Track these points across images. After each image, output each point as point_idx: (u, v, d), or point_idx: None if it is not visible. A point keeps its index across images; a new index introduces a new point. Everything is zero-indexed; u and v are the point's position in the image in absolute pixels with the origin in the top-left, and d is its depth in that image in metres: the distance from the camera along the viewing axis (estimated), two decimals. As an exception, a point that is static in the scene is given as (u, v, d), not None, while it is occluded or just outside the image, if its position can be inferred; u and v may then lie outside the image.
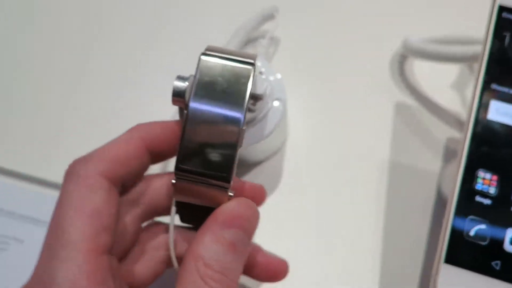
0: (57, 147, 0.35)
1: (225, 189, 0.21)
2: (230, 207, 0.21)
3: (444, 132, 0.37)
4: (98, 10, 0.42)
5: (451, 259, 0.25)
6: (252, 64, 0.22)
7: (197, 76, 0.22)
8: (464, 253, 0.25)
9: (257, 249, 0.26)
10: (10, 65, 0.40)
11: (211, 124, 0.21)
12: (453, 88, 0.39)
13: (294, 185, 0.34)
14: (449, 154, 0.36)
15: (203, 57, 0.23)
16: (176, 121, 0.23)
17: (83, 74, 0.39)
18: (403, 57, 0.40)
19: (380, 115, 0.38)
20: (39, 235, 0.29)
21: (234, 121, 0.21)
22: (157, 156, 0.23)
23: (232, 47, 0.38)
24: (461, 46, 0.34)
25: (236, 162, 0.21)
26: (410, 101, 0.38)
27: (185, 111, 0.21)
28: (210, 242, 0.20)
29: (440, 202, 0.34)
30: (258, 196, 0.26)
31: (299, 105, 0.37)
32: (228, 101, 0.21)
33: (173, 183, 0.21)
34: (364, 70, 0.39)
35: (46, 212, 0.29)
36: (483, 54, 0.28)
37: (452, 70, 0.39)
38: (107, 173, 0.20)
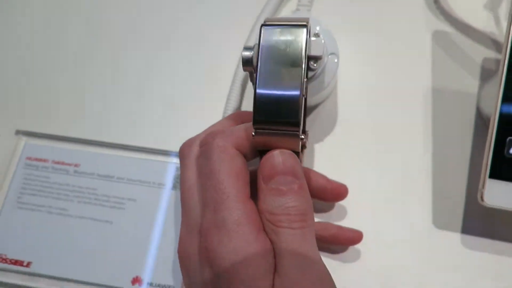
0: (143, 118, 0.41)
1: (297, 134, 0.25)
2: (266, 162, 0.26)
3: (480, 54, 0.40)
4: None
5: (494, 174, 0.30)
6: (305, 26, 0.26)
7: (261, 44, 0.26)
8: (505, 168, 0.30)
9: (324, 177, 0.33)
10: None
11: (277, 82, 0.26)
12: (486, 8, 0.42)
13: (348, 121, 0.39)
14: (485, 74, 0.40)
15: (264, 28, 0.27)
16: None
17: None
18: (436, -15, 0.43)
19: (420, 44, 0.41)
20: (146, 194, 0.35)
21: (296, 75, 0.26)
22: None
23: (270, 7, 0.41)
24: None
25: (302, 109, 0.25)
26: (446, 27, 0.42)
27: (255, 74, 0.26)
28: (263, 196, 0.25)
29: (480, 119, 0.38)
30: (338, 195, 0.34)
31: (342, 46, 0.40)
32: (289, 60, 0.26)
33: (252, 136, 0.26)
34: (399, 2, 0.42)
35: (149, 175, 0.36)
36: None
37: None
38: (238, 147, 0.26)
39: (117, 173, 0.37)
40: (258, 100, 0.25)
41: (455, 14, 0.42)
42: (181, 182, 0.28)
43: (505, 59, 0.31)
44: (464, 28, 0.41)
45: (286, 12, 0.43)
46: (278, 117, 0.25)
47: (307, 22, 0.27)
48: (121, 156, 0.38)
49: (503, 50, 0.31)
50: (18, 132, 0.39)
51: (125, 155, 0.38)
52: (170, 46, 0.43)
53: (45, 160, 0.38)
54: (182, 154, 0.29)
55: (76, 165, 0.37)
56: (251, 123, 0.26)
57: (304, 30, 0.26)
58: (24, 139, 0.38)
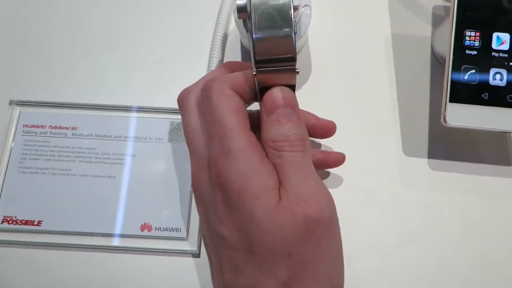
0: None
1: (293, 67, 0.28)
2: (268, 97, 0.29)
3: (430, 2, 0.45)
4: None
5: (453, 99, 0.35)
6: None
7: None
8: (462, 92, 0.35)
9: (314, 116, 0.37)
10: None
11: (270, 23, 0.29)
12: (431, -39, 0.47)
13: (322, 67, 0.43)
14: (436, 19, 0.45)
15: None
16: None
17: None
18: None
19: (377, -2, 0.46)
20: (144, 149, 0.38)
21: (286, 14, 0.29)
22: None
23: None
24: None
25: (296, 44, 0.28)
26: (399, -20, 0.46)
27: (248, 20, 0.29)
28: (266, 127, 0.29)
29: (435, 58, 0.43)
30: (327, 131, 0.37)
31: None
32: (278, 3, 0.29)
33: (254, 74, 0.29)
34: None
35: (145, 131, 0.38)
36: None
37: None
38: (234, 88, 0.29)
39: (114, 132, 0.39)
40: (257, 42, 0.28)
41: (405, -33, 0.46)
42: (184, 126, 0.31)
43: (454, 2, 0.36)
44: (414, -20, 0.46)
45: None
46: (276, 54, 0.28)
47: None
48: (116, 116, 0.40)
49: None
50: (11, 102, 0.40)
51: (119, 115, 0.40)
52: (151, 9, 0.45)
53: (42, 126, 0.39)
54: (181, 101, 0.32)
55: (73, 128, 0.39)
56: (247, 70, 0.30)
57: None
58: (18, 109, 0.40)
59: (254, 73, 0.29)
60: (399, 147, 0.41)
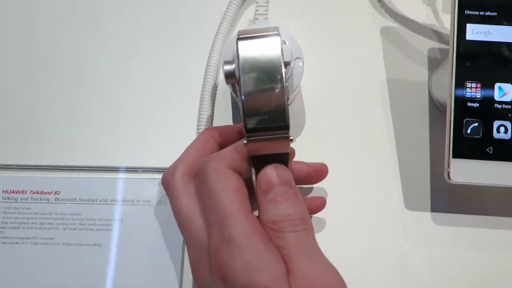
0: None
1: (286, 136, 0.27)
2: (262, 177, 0.28)
3: (425, 45, 0.44)
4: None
5: (457, 154, 0.34)
6: (278, 35, 0.28)
7: (240, 56, 0.28)
8: (465, 147, 0.34)
9: (303, 163, 0.35)
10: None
11: (261, 89, 0.27)
12: (424, 3, 0.46)
13: (316, 117, 0.42)
14: (432, 63, 0.43)
15: (239, 41, 0.28)
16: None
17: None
18: (378, -16, 0.46)
19: (370, 41, 0.44)
20: (133, 212, 0.36)
21: (277, 81, 0.27)
22: None
23: (231, 10, 0.43)
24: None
25: (288, 111, 0.27)
26: (391, 23, 0.45)
27: (237, 86, 0.28)
28: (264, 208, 0.27)
29: (433, 103, 0.42)
30: (320, 174, 0.35)
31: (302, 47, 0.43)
32: (269, 68, 0.28)
33: (245, 144, 0.27)
34: (346, 3, 0.45)
35: (133, 193, 0.36)
36: (454, -14, 0.34)
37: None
38: (231, 166, 0.28)
39: (100, 195, 0.37)
40: (247, 110, 0.27)
41: (398, 10, 0.45)
42: (174, 212, 0.29)
43: (453, 50, 0.34)
44: (407, 23, 0.45)
45: (243, 22, 0.45)
46: (267, 123, 0.27)
47: (278, 31, 0.29)
48: (101, 178, 0.38)
49: (450, 45, 0.34)
50: (-10, 167, 0.38)
51: (105, 177, 0.38)
52: (136, 62, 0.43)
53: (23, 192, 0.37)
54: (167, 184, 0.30)
55: (56, 193, 0.37)
56: (238, 142, 0.28)
57: (278, 39, 0.28)
58: (-3, 173, 0.38)
59: (245, 142, 0.27)
60: (401, 201, 0.39)
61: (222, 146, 0.31)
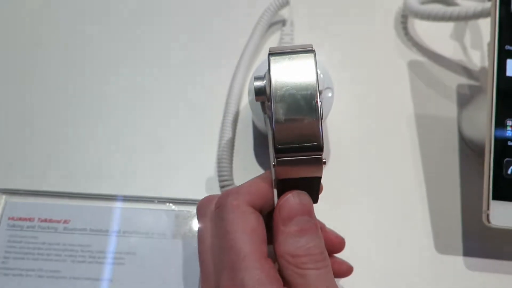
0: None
1: (319, 157, 0.25)
2: (284, 204, 0.25)
3: (453, 80, 0.43)
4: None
5: (497, 196, 0.32)
6: (312, 50, 0.27)
7: (271, 72, 0.26)
8: (506, 189, 0.32)
9: (321, 226, 0.32)
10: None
11: (293, 107, 0.25)
12: (452, 38, 0.45)
13: (341, 152, 0.40)
14: (461, 98, 0.42)
15: (271, 56, 0.27)
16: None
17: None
18: (405, 17, 0.45)
19: (397, 74, 0.43)
20: (146, 246, 0.34)
21: (312, 96, 0.25)
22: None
23: (255, 37, 0.42)
24: (454, 6, 0.39)
25: (322, 131, 0.25)
26: (419, 57, 0.44)
27: (269, 103, 0.26)
28: (284, 239, 0.25)
29: (462, 141, 0.40)
30: (338, 244, 0.32)
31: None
32: (302, 85, 0.26)
33: (273, 165, 0.25)
34: (372, 36, 0.44)
35: (147, 225, 0.34)
36: (494, 21, 0.33)
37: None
38: (251, 202, 0.25)
39: (111, 226, 0.35)
40: (278, 128, 0.25)
41: (425, 44, 0.44)
42: (198, 240, 0.27)
43: (492, 87, 0.33)
44: (435, 57, 0.44)
45: (266, 50, 0.43)
46: (299, 142, 0.24)
47: (312, 47, 0.27)
48: (114, 207, 0.36)
49: (489, 82, 0.33)
50: (-4, 191, 0.36)
51: (118, 206, 0.36)
52: (155, 87, 0.41)
53: (30, 219, 0.35)
54: (199, 212, 0.28)
55: (65, 222, 0.35)
56: (264, 173, 0.26)
57: (312, 54, 0.26)
58: (4, 197, 0.35)
59: (273, 163, 0.25)
60: (431, 243, 0.36)
61: None
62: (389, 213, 0.37)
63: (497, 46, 0.33)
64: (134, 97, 0.41)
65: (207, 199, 0.28)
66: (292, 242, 0.24)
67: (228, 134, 0.38)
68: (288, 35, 0.41)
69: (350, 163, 0.39)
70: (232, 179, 0.37)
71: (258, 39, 0.42)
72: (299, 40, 0.43)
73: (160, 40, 0.43)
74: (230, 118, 0.39)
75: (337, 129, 0.40)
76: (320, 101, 0.25)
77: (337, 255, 0.33)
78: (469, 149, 0.39)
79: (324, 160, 0.25)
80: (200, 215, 0.28)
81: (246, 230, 0.24)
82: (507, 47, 0.33)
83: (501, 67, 0.33)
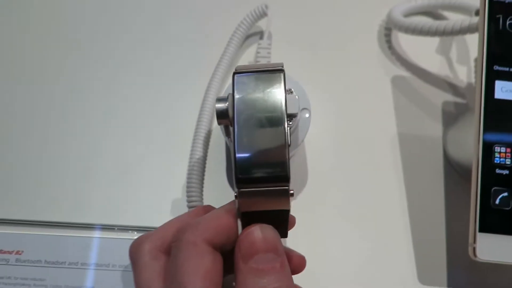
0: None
1: (286, 189, 0.23)
2: (245, 239, 0.23)
3: (439, 97, 0.40)
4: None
5: (484, 228, 0.29)
6: (281, 70, 0.24)
7: (235, 93, 0.23)
8: (493, 220, 0.29)
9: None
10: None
11: (258, 133, 0.23)
12: (438, 52, 0.42)
13: (319, 173, 0.37)
14: (447, 117, 0.40)
15: (236, 76, 0.24)
16: None
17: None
18: (389, 30, 0.43)
19: (380, 91, 0.40)
20: (106, 279, 0.31)
21: (278, 123, 0.23)
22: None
23: (230, 51, 0.39)
24: (440, 20, 0.37)
25: (289, 161, 0.23)
26: (403, 72, 0.41)
27: (231, 127, 0.23)
28: (242, 277, 0.22)
29: (448, 162, 0.38)
30: (300, 266, 0.29)
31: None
32: (269, 108, 0.23)
33: (236, 196, 0.23)
34: (354, 50, 0.42)
35: (107, 256, 0.31)
36: (482, 39, 0.31)
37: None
38: (211, 240, 0.23)
39: (69, 257, 0.32)
40: (240, 156, 0.22)
41: (409, 58, 0.42)
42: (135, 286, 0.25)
43: (480, 111, 0.30)
44: (419, 73, 0.42)
45: (243, 63, 0.41)
46: (264, 172, 0.22)
47: (282, 67, 0.24)
48: (72, 236, 0.33)
49: (476, 105, 0.30)
50: None
51: (75, 235, 0.33)
52: (122, 106, 0.39)
53: (-23, 250, 0.32)
54: (132, 256, 0.26)
55: (18, 253, 0.32)
56: (228, 203, 0.24)
57: (281, 75, 0.24)
58: (-52, 227, 0.32)
59: (235, 194, 0.23)
60: (414, 274, 0.34)
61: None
62: (370, 240, 0.35)
63: (485, 66, 0.31)
64: (93, 117, 0.38)
65: (137, 243, 0.25)
66: (251, 282, 0.22)
67: (198, 154, 0.35)
68: (265, 48, 0.39)
69: (329, 188, 0.37)
70: (202, 202, 0.34)
71: (233, 52, 0.39)
72: (277, 53, 0.40)
73: (126, 57, 0.40)
74: (201, 137, 0.36)
75: (316, 151, 0.38)
76: (288, 127, 0.23)
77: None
78: (455, 173, 0.37)
79: (291, 192, 0.23)
80: (131, 259, 0.25)
81: (199, 271, 0.22)
82: (496, 67, 0.31)
83: (489, 88, 0.31)
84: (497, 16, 0.31)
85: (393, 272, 0.34)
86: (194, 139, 0.36)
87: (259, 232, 0.23)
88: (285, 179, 0.22)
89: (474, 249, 0.29)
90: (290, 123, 0.30)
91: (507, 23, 0.31)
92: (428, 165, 0.38)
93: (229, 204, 0.25)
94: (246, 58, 0.41)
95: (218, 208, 0.25)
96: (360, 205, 0.36)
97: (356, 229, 0.35)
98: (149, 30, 0.42)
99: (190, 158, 0.36)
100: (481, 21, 0.31)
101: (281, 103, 0.23)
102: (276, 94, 0.24)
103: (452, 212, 0.36)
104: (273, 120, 0.23)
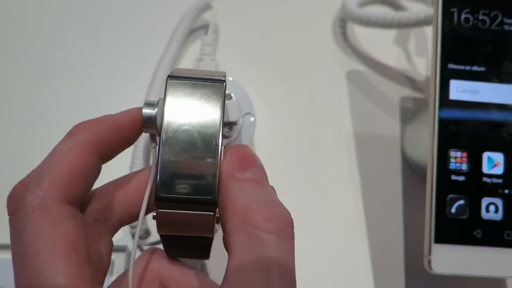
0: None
1: (210, 215, 0.20)
2: (236, 150, 0.20)
3: (396, 92, 0.38)
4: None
5: (439, 239, 0.28)
6: (222, 81, 0.21)
7: (167, 100, 0.21)
8: (449, 230, 0.28)
9: None
10: None
11: (187, 147, 0.20)
12: (395, 44, 0.40)
13: (269, 177, 0.35)
14: (405, 114, 0.38)
15: (170, 80, 0.21)
16: (121, 114, 0.21)
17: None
18: (344, 21, 0.40)
19: (334, 87, 0.38)
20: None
21: (212, 137, 0.20)
22: (107, 156, 0.20)
23: (174, 45, 0.36)
24: (396, 12, 0.35)
25: (219, 182, 0.20)
26: (359, 66, 0.39)
27: (158, 137, 0.21)
28: (241, 189, 0.19)
29: (406, 161, 0.36)
30: None
31: (255, 96, 0.36)
32: (202, 121, 0.21)
33: (154, 216, 0.20)
34: (307, 43, 0.39)
35: None
36: (436, 34, 0.29)
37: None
38: (66, 196, 0.17)
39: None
40: (163, 171, 0.20)
41: (365, 51, 0.40)
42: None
43: (434, 113, 0.28)
44: (376, 66, 0.39)
45: (187, 60, 0.38)
46: (188, 194, 0.20)
47: (224, 77, 0.22)
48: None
49: (430, 106, 0.28)
50: None
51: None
52: (51, 112, 0.35)
53: None
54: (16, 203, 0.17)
55: None
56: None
57: (221, 85, 0.21)
58: None
59: (154, 214, 0.20)
60: (370, 283, 0.32)
61: (101, 152, 0.19)
62: (325, 248, 0.33)
63: (440, 65, 0.29)
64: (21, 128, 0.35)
65: (22, 186, 0.17)
66: (250, 192, 0.19)
67: (138, 166, 0.33)
68: (209, 45, 0.36)
69: (280, 192, 0.34)
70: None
71: (176, 48, 0.36)
72: (222, 50, 0.37)
73: (59, 57, 0.37)
74: (141, 145, 0.33)
75: (264, 154, 0.35)
76: (222, 144, 0.20)
77: None
78: (413, 173, 0.35)
79: (217, 216, 0.20)
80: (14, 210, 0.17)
81: (58, 248, 0.16)
82: (451, 65, 0.29)
83: (444, 88, 0.29)
84: (452, 9, 0.29)
85: (348, 281, 0.32)
86: (134, 149, 0.33)
87: (249, 149, 0.21)
88: (212, 202, 0.20)
89: (429, 261, 0.28)
90: (230, 131, 0.27)
91: (462, 17, 0.29)
92: (385, 165, 0.36)
93: (74, 133, 0.19)
94: (192, 55, 0.38)
95: (63, 141, 0.18)
96: (313, 209, 0.34)
97: (310, 235, 0.33)
98: (84, 27, 0.38)
99: (130, 169, 0.33)
100: (435, 15, 0.29)
101: (218, 117, 0.21)
102: (214, 106, 0.21)
103: (410, 216, 0.34)
104: (206, 136, 0.20)
